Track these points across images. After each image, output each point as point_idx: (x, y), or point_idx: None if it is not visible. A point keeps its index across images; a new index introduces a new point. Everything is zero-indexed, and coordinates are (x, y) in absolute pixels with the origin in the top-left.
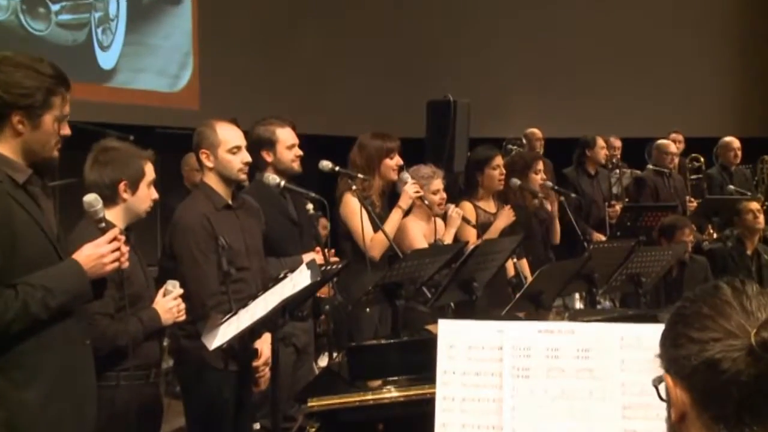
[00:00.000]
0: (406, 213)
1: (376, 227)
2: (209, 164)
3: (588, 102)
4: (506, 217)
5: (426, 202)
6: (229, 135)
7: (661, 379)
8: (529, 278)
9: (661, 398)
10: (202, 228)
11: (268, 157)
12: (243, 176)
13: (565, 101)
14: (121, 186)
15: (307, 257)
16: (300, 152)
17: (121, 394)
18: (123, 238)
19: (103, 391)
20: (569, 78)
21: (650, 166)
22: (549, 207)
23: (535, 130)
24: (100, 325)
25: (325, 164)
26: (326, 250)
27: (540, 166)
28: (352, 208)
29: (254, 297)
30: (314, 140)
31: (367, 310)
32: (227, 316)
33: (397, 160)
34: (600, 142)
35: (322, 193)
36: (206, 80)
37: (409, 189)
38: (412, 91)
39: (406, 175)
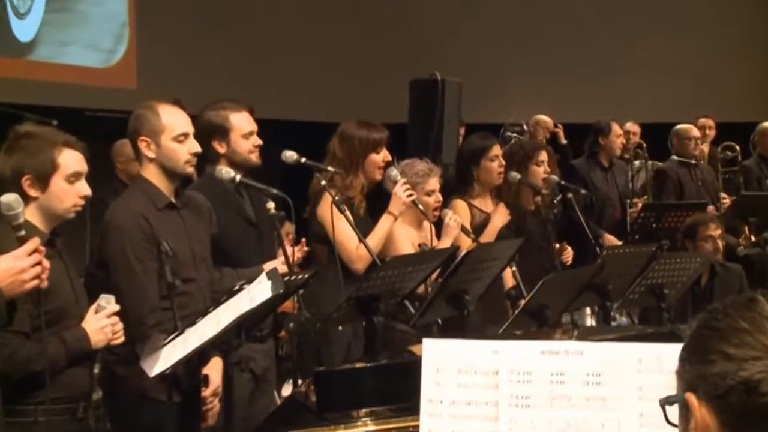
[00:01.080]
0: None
1: (359, 234)
2: (149, 154)
3: (601, 80)
4: (502, 215)
5: (421, 208)
6: (174, 120)
7: (673, 400)
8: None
9: (669, 422)
10: (140, 230)
11: (221, 148)
12: (190, 169)
13: (574, 79)
14: (25, 181)
15: (269, 267)
16: (259, 141)
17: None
18: (44, 250)
19: (17, 429)
20: (578, 52)
21: (674, 157)
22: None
23: (545, 118)
24: (9, 346)
25: (289, 155)
26: (293, 250)
27: (543, 156)
28: (328, 208)
29: (204, 313)
30: (276, 127)
31: (339, 328)
32: (171, 337)
33: (384, 155)
34: (616, 128)
35: (285, 189)
36: (145, 55)
37: (400, 192)
38: (391, 68)
39: (394, 173)
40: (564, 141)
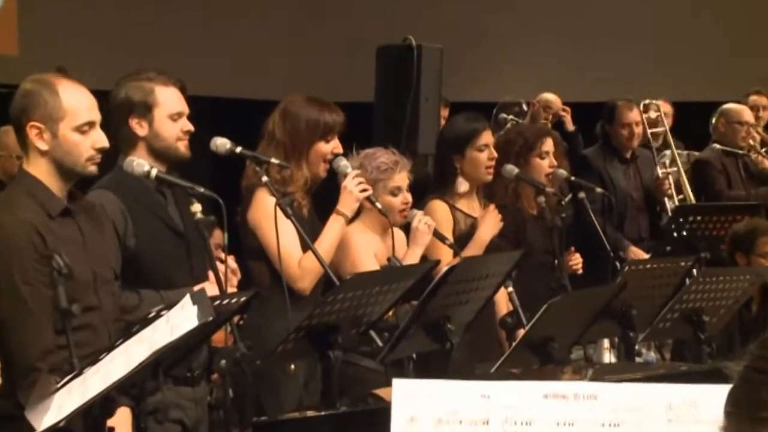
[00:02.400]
0: (351, 220)
1: (304, 244)
2: (41, 145)
3: (621, 47)
4: (492, 221)
5: (379, 206)
6: (79, 104)
7: None
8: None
9: None
10: (32, 247)
11: (140, 129)
12: (92, 168)
13: (587, 47)
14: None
15: (200, 288)
16: (190, 127)
17: None
18: None
19: None
20: (593, 12)
21: (716, 145)
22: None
23: (551, 97)
24: None
25: (221, 144)
26: (226, 265)
27: (548, 145)
28: (269, 211)
29: (109, 349)
30: (203, 107)
31: (292, 367)
32: (66, 380)
33: (334, 146)
34: (626, 113)
35: (216, 187)
36: (28, 14)
37: (351, 185)
38: (353, 30)
39: (343, 163)
40: (572, 127)
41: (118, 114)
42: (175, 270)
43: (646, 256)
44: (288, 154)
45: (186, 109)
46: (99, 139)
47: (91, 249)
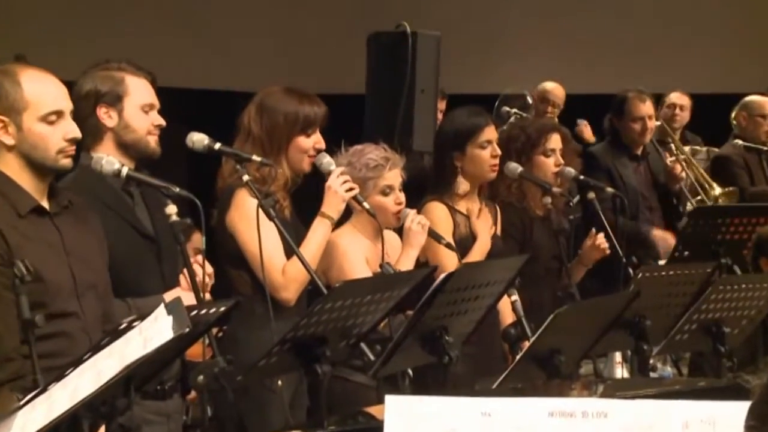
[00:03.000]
0: (339, 223)
1: (289, 249)
2: (6, 140)
3: (634, 35)
4: (486, 222)
5: (367, 206)
6: (43, 92)
7: None
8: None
9: None
10: None
11: (109, 119)
12: (65, 161)
13: (597, 34)
14: None
15: (170, 296)
16: (161, 121)
17: None
18: None
19: None
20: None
21: (737, 141)
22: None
23: (554, 86)
24: None
25: (198, 140)
26: (204, 272)
27: (554, 141)
28: (250, 213)
29: (77, 363)
30: (177, 99)
31: (279, 383)
32: (29, 396)
33: (316, 140)
34: (637, 106)
35: (192, 187)
36: None
37: (335, 184)
38: (342, 16)
39: (326, 160)
40: (591, 138)
41: (83, 105)
42: (144, 277)
43: (672, 239)
44: (266, 151)
45: (157, 103)
46: (70, 129)
47: (71, 251)
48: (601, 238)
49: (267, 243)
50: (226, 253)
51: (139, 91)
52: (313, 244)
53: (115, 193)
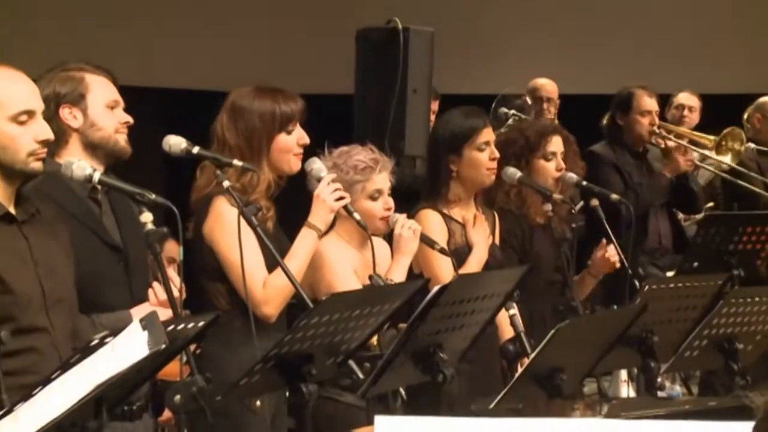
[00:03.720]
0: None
1: (272, 260)
2: None
3: (638, 31)
4: (483, 231)
5: (357, 217)
6: (12, 90)
7: None
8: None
9: None
10: None
11: (73, 120)
12: (36, 165)
13: (599, 31)
14: None
15: (141, 312)
16: (128, 118)
17: None
18: None
19: None
20: None
21: (750, 144)
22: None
23: (546, 82)
24: None
25: (175, 143)
26: (181, 284)
27: (554, 144)
28: (230, 223)
29: (45, 382)
30: (156, 99)
31: (258, 403)
32: None
33: (299, 136)
34: (644, 101)
35: (169, 193)
36: None
37: (325, 193)
38: (329, 11)
39: (317, 165)
40: None
41: (44, 110)
42: (110, 290)
43: (670, 273)
44: (246, 158)
45: (122, 101)
46: (41, 130)
47: (40, 261)
48: (611, 250)
49: (248, 254)
50: (202, 266)
51: (101, 89)
52: (298, 257)
53: (79, 201)
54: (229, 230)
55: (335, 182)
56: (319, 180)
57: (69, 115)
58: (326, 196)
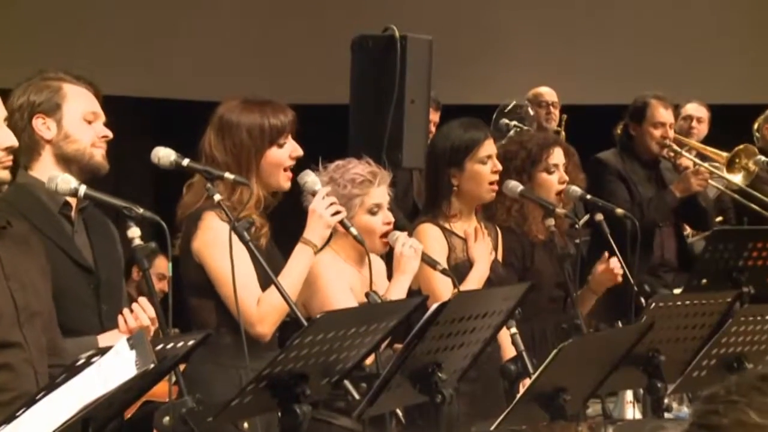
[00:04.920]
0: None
1: (265, 277)
2: None
3: (643, 40)
4: (485, 246)
5: (355, 232)
6: None
7: None
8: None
9: None
10: None
11: (47, 131)
12: (2, 174)
13: (604, 40)
14: None
15: (106, 339)
16: (107, 132)
17: None
18: None
19: None
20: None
21: (760, 156)
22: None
23: (546, 91)
24: None
25: (164, 155)
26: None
27: (556, 156)
28: (221, 238)
29: (30, 402)
30: (145, 110)
31: (245, 425)
32: None
33: (291, 149)
34: (659, 112)
35: (158, 208)
36: None
37: (320, 207)
38: (324, 20)
39: (311, 178)
40: None
41: (17, 119)
42: (78, 314)
43: (677, 291)
44: (235, 173)
45: (102, 114)
46: (4, 137)
47: (11, 275)
48: (615, 262)
49: (241, 271)
50: (190, 282)
51: (79, 99)
52: (293, 274)
53: (50, 217)
54: (221, 246)
55: (331, 196)
56: (313, 194)
57: (42, 126)
58: (322, 211)
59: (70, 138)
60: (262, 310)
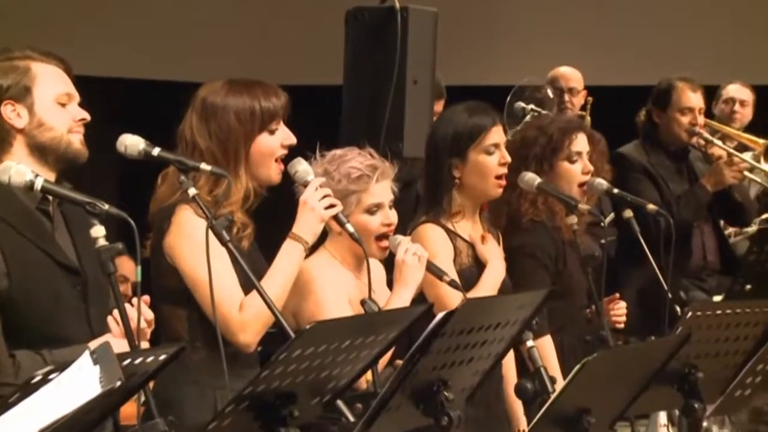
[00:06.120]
0: (314, 247)
1: (247, 283)
2: None
3: (680, 14)
4: (496, 246)
5: (351, 229)
6: None
7: None
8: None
9: None
10: None
11: (17, 118)
12: None
13: (627, 13)
14: None
15: (96, 345)
16: (84, 114)
17: None
18: None
19: None
20: None
21: None
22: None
23: (568, 70)
24: None
25: (132, 143)
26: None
27: (579, 143)
28: (196, 236)
29: None
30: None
31: None
32: None
33: (284, 136)
34: (686, 95)
35: (125, 204)
36: None
37: (312, 199)
38: None
39: (302, 168)
40: None
41: None
42: (65, 321)
43: (717, 298)
44: (220, 165)
45: (76, 93)
46: None
47: None
48: (619, 307)
49: (219, 273)
50: (161, 289)
51: (51, 81)
52: (280, 274)
53: (27, 214)
54: (196, 245)
55: (325, 187)
56: (305, 185)
57: (12, 113)
58: (314, 203)
59: (45, 125)
60: (245, 316)
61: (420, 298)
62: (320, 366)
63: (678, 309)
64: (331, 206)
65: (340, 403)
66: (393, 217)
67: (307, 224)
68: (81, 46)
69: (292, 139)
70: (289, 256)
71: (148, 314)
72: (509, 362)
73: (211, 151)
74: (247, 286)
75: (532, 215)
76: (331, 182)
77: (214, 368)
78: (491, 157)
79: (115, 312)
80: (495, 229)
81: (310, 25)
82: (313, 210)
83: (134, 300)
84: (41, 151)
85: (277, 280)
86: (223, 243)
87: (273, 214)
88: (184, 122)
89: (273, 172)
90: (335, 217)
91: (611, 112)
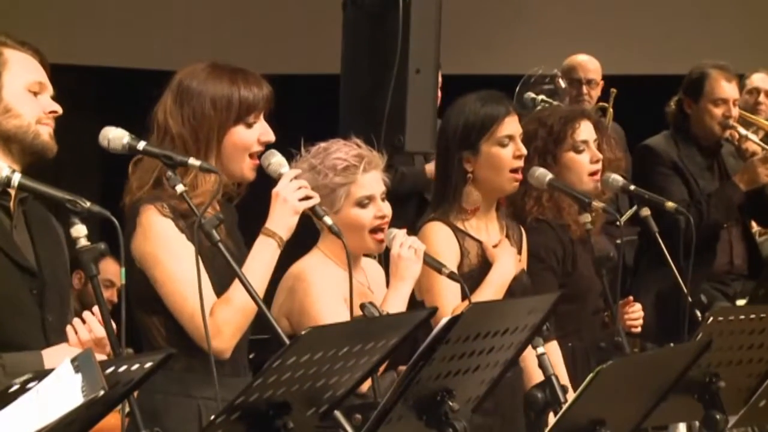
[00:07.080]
0: (308, 246)
1: (224, 281)
2: None
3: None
4: (507, 246)
5: (329, 222)
6: None
7: None
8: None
9: None
10: None
11: None
12: None
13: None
14: None
15: (52, 353)
16: (56, 106)
17: None
18: None
19: None
20: None
21: None
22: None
23: (585, 59)
24: None
25: (116, 136)
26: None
27: (584, 131)
28: (162, 237)
29: None
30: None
31: None
32: None
33: (261, 131)
34: (722, 83)
35: (107, 202)
36: None
37: (286, 191)
38: None
39: (276, 159)
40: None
41: None
42: (19, 324)
43: (741, 302)
44: (189, 152)
45: (50, 85)
46: None
47: None
48: (635, 310)
49: (188, 276)
50: (134, 295)
51: (22, 68)
52: (252, 275)
53: None
54: (164, 246)
55: (301, 179)
56: (279, 177)
57: None
58: (288, 195)
59: (11, 112)
60: (217, 320)
61: (422, 303)
62: (316, 374)
63: (698, 314)
64: (307, 198)
65: (337, 413)
66: (386, 208)
67: (281, 218)
68: (64, 35)
69: (270, 136)
70: (261, 254)
71: (99, 331)
72: (532, 367)
73: (183, 136)
74: (222, 288)
75: (537, 214)
76: (318, 176)
77: (197, 377)
78: (505, 150)
79: (76, 321)
80: (516, 226)
81: (305, 10)
82: (285, 202)
83: (95, 309)
84: (6, 140)
85: (255, 275)
86: (214, 243)
87: (261, 212)
88: (159, 103)
89: (246, 168)
90: (312, 210)
91: (630, 104)
